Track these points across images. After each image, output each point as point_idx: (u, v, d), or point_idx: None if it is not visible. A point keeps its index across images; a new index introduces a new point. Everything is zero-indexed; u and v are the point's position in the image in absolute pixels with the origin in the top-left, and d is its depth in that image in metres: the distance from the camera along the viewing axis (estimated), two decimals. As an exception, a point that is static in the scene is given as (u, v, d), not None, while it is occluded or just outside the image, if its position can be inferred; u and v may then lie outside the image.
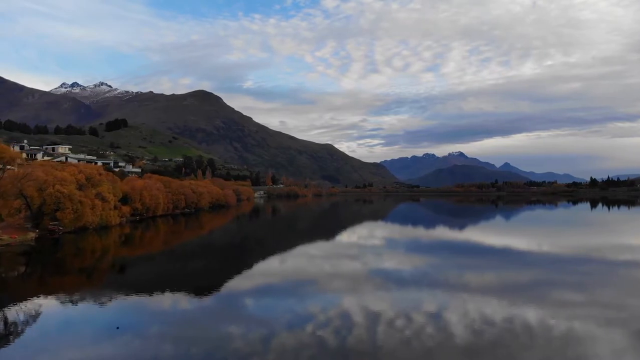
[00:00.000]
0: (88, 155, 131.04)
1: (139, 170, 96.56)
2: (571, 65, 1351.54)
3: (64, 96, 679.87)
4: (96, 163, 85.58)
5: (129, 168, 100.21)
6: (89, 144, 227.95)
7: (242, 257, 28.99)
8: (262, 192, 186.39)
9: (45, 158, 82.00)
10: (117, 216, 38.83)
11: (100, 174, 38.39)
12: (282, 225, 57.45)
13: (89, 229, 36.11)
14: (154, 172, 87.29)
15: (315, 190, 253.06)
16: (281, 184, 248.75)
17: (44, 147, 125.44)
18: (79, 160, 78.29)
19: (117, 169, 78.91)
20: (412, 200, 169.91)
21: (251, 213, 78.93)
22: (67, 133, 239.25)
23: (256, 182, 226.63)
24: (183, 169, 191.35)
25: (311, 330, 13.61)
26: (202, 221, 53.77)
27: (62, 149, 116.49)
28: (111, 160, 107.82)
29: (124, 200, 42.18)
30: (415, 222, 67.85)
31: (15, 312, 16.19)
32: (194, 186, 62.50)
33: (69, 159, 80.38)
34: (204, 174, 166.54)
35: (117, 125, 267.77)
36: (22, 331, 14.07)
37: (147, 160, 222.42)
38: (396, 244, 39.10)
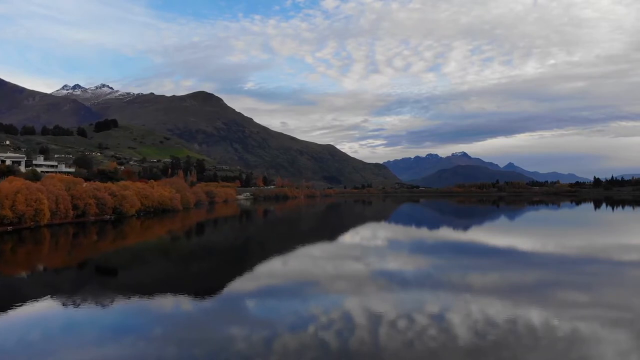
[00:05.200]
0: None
1: (73, 170, 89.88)
2: (574, 64, 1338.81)
3: (64, 98, 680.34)
4: (3, 162, 79.29)
5: (62, 168, 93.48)
6: (76, 145, 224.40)
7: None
8: (248, 193, 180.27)
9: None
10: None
11: None
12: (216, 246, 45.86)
13: None
14: (103, 173, 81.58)
15: (309, 191, 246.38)
16: (273, 184, 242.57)
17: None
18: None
19: (28, 168, 72.73)
20: (412, 202, 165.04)
21: (203, 221, 67.10)
22: (55, 134, 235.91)
23: (247, 183, 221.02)
24: (169, 169, 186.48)
25: (314, 332, 13.61)
26: (113, 233, 44.64)
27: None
28: (23, 157, 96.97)
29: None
30: (417, 224, 65.57)
31: (17, 313, 16.18)
32: (118, 188, 55.86)
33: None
34: (185, 174, 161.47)
35: (106, 125, 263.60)
36: (24, 332, 14.08)
37: (135, 161, 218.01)
38: (398, 245, 38.36)
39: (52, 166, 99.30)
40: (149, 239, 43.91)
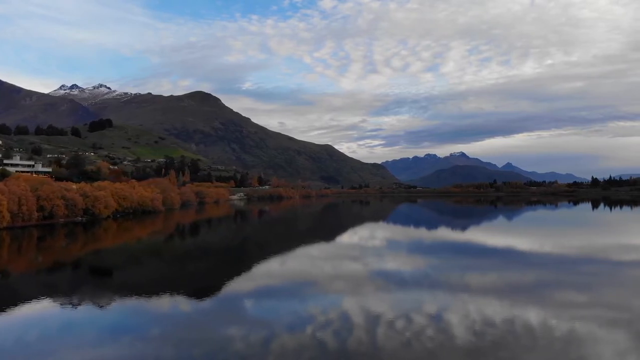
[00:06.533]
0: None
1: (49, 170, 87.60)
2: (572, 65, 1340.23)
3: (62, 98, 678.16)
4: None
5: (39, 167, 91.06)
6: (70, 144, 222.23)
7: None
8: (241, 194, 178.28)
9: None
10: None
11: None
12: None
13: None
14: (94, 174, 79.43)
15: (304, 191, 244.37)
16: (269, 184, 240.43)
17: None
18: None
19: (-1, 168, 70.64)
20: (410, 202, 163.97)
21: (186, 223, 62.89)
22: (49, 134, 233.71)
23: (242, 183, 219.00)
24: (163, 169, 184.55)
25: (312, 332, 13.55)
26: (83, 236, 41.97)
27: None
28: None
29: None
30: (415, 224, 65.30)
31: (15, 313, 16.10)
32: (91, 188, 53.44)
33: None
34: (178, 174, 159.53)
35: (101, 125, 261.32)
36: (22, 333, 13.95)
37: (129, 161, 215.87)
38: (396, 245, 37.97)
39: (30, 165, 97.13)
40: (121, 241, 41.95)
